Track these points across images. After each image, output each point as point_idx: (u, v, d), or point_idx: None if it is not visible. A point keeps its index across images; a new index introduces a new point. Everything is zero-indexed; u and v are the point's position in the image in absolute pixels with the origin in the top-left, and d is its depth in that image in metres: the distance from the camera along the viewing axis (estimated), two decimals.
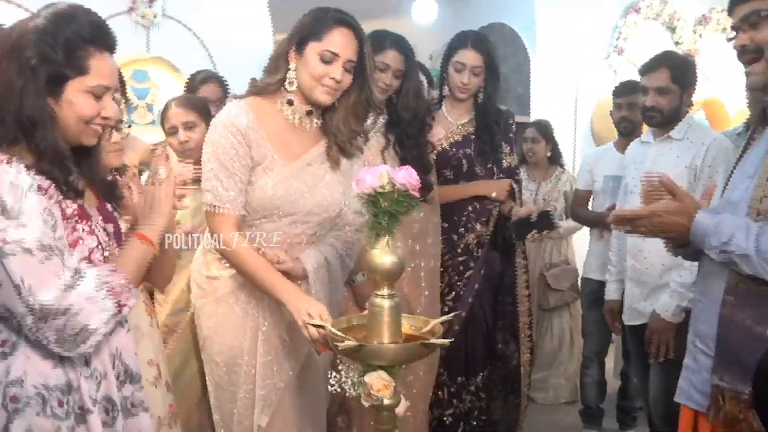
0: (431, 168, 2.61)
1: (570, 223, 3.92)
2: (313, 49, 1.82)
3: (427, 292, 2.60)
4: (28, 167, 1.30)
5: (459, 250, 2.74)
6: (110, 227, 1.50)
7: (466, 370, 2.77)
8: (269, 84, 1.90)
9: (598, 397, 3.47)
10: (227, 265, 1.93)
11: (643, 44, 5.03)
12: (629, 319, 2.74)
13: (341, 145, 1.94)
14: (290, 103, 1.90)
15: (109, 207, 1.54)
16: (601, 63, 5.11)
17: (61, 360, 1.34)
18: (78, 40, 1.34)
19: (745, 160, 1.64)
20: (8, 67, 1.31)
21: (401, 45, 2.52)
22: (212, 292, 1.97)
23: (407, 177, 1.40)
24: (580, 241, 4.26)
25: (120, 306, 1.35)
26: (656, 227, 1.56)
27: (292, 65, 1.86)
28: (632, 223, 1.58)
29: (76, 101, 1.35)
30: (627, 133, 3.32)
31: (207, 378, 2.03)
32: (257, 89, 1.92)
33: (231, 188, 1.82)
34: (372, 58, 1.92)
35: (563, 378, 4.03)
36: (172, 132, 2.50)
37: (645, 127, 3.20)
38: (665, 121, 2.66)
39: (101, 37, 1.38)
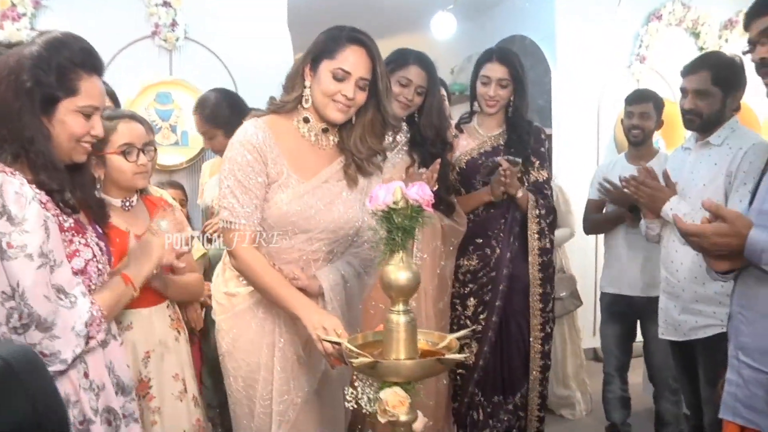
0: (454, 188, 2.62)
1: (558, 233, 3.85)
2: (326, 66, 1.84)
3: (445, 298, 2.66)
4: (29, 182, 1.38)
5: (491, 266, 2.73)
6: (102, 244, 1.59)
7: (503, 388, 2.77)
8: (286, 102, 1.92)
9: (622, 412, 3.38)
10: (245, 282, 1.94)
11: (667, 51, 4.98)
12: (665, 333, 2.66)
13: (359, 164, 1.95)
14: (306, 120, 1.92)
15: (98, 228, 1.63)
16: (623, 72, 5.05)
17: (59, 374, 1.39)
18: (69, 64, 1.45)
19: None
20: (6, 90, 1.41)
21: (424, 61, 2.55)
22: (230, 308, 1.99)
23: (420, 192, 1.40)
24: (575, 247, 4.22)
25: (89, 338, 1.43)
26: (707, 247, 1.58)
27: (307, 83, 1.89)
28: (684, 238, 1.60)
29: (67, 120, 1.46)
30: (637, 142, 3.25)
31: (227, 393, 2.05)
32: (275, 107, 1.94)
33: (247, 204, 1.84)
34: (387, 76, 1.92)
35: (575, 390, 3.95)
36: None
37: (656, 137, 3.17)
38: (705, 125, 2.53)
39: (90, 62, 1.50)
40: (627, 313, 3.23)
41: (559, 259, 3.97)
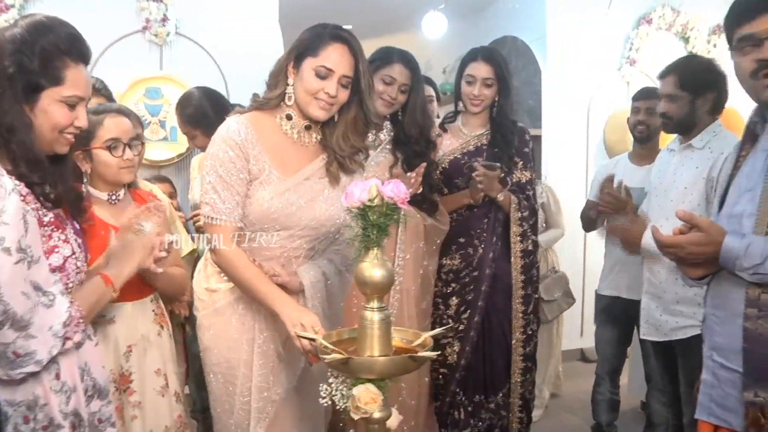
0: (438, 187, 2.63)
1: (549, 234, 3.88)
2: (309, 64, 1.85)
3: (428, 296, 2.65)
4: (8, 173, 1.29)
5: (474, 265, 2.74)
6: (80, 240, 1.52)
7: (485, 388, 2.77)
8: (270, 99, 1.93)
9: (609, 415, 3.39)
10: (226, 278, 1.95)
11: (656, 55, 4.99)
12: (646, 333, 2.69)
13: (341, 161, 1.95)
14: (289, 117, 1.93)
15: (75, 224, 1.55)
16: (613, 74, 5.07)
17: (30, 376, 1.32)
18: (54, 50, 1.38)
19: (740, 175, 1.64)
20: None
21: (408, 59, 2.55)
22: (211, 304, 1.99)
23: (395, 190, 1.41)
24: (564, 246, 4.24)
25: (65, 339, 1.35)
26: (684, 257, 1.60)
27: (290, 80, 1.89)
28: (661, 249, 1.63)
29: (50, 110, 1.39)
30: (642, 138, 3.22)
31: (208, 389, 2.05)
32: (258, 104, 1.95)
33: (228, 200, 1.85)
34: (369, 74, 1.93)
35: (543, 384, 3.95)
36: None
37: (663, 135, 3.16)
38: (678, 128, 2.61)
39: (77, 49, 1.42)
40: (624, 317, 3.21)
41: (550, 258, 3.99)
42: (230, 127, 1.88)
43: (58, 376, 1.37)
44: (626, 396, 3.82)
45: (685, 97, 2.56)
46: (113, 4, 3.83)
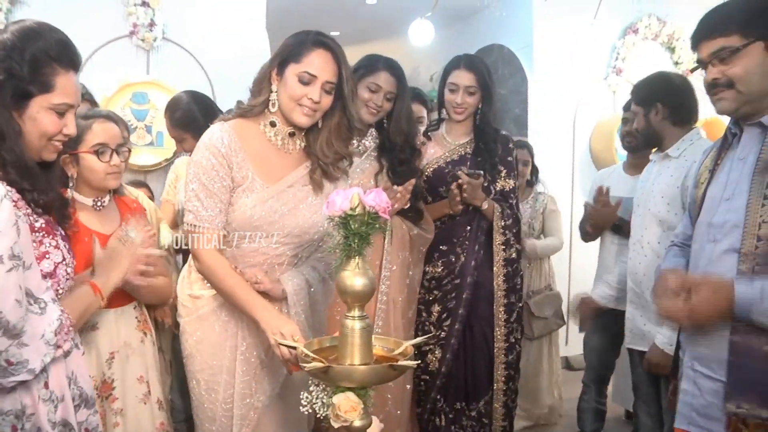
0: (423, 195, 2.63)
1: (547, 241, 3.86)
2: (292, 70, 1.85)
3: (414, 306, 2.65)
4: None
5: (456, 273, 2.75)
6: (68, 246, 1.51)
7: (466, 395, 2.77)
8: (254, 106, 1.93)
9: (594, 423, 3.38)
10: (209, 285, 1.95)
11: (642, 65, 5.04)
12: (631, 342, 2.70)
13: (325, 168, 1.96)
14: (273, 124, 1.93)
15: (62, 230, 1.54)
16: (599, 83, 5.12)
17: (20, 384, 1.31)
18: (44, 57, 1.35)
19: (716, 184, 1.66)
20: None
21: (393, 67, 2.55)
22: (194, 311, 1.99)
23: (377, 199, 1.42)
24: (561, 264, 4.24)
25: (57, 347, 1.34)
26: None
27: (274, 87, 1.90)
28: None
29: (39, 118, 1.36)
30: (631, 148, 3.20)
31: (190, 396, 2.05)
32: (242, 111, 1.95)
33: (210, 208, 1.85)
34: (352, 80, 1.94)
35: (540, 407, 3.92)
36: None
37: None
38: (644, 144, 2.75)
39: (67, 56, 1.40)
40: (613, 326, 3.13)
41: (545, 272, 3.93)
42: (213, 134, 1.89)
43: (46, 385, 1.36)
44: (611, 405, 3.83)
45: (639, 112, 2.65)
46: (101, 9, 3.83)
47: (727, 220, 1.59)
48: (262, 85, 1.93)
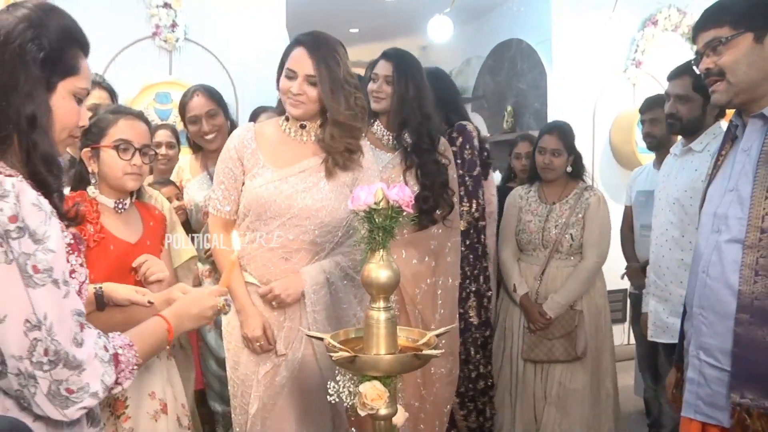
0: (450, 191, 2.61)
1: (570, 285, 3.04)
2: (283, 69, 2.07)
3: (442, 310, 2.61)
4: (9, 174, 1.11)
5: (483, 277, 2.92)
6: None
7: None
8: (280, 104, 2.18)
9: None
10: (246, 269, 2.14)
11: (662, 56, 5.01)
12: (654, 335, 2.71)
13: (336, 159, 2.06)
14: (287, 118, 2.13)
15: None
16: (619, 76, 5.09)
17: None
18: (70, 36, 1.23)
19: (721, 175, 1.67)
20: (7, 60, 1.14)
21: (389, 54, 2.60)
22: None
23: (400, 194, 1.45)
24: None
25: (116, 383, 1.20)
26: None
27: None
28: None
29: (62, 105, 1.21)
30: (652, 147, 3.27)
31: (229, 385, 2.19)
32: (280, 108, 2.22)
33: (218, 192, 2.14)
34: (337, 77, 2.00)
35: None
36: (192, 121, 2.90)
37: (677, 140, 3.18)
38: (685, 129, 2.63)
39: (84, 37, 1.27)
40: None
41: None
42: (234, 131, 2.20)
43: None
44: (633, 398, 3.84)
45: (698, 100, 2.58)
46: (123, 11, 3.90)
47: (732, 213, 1.60)
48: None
